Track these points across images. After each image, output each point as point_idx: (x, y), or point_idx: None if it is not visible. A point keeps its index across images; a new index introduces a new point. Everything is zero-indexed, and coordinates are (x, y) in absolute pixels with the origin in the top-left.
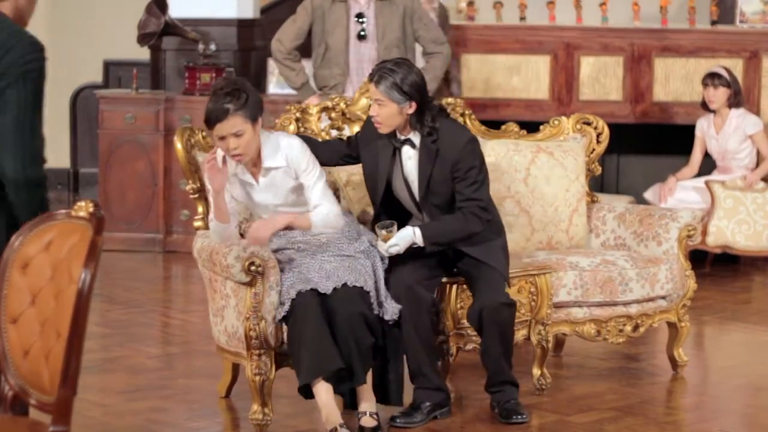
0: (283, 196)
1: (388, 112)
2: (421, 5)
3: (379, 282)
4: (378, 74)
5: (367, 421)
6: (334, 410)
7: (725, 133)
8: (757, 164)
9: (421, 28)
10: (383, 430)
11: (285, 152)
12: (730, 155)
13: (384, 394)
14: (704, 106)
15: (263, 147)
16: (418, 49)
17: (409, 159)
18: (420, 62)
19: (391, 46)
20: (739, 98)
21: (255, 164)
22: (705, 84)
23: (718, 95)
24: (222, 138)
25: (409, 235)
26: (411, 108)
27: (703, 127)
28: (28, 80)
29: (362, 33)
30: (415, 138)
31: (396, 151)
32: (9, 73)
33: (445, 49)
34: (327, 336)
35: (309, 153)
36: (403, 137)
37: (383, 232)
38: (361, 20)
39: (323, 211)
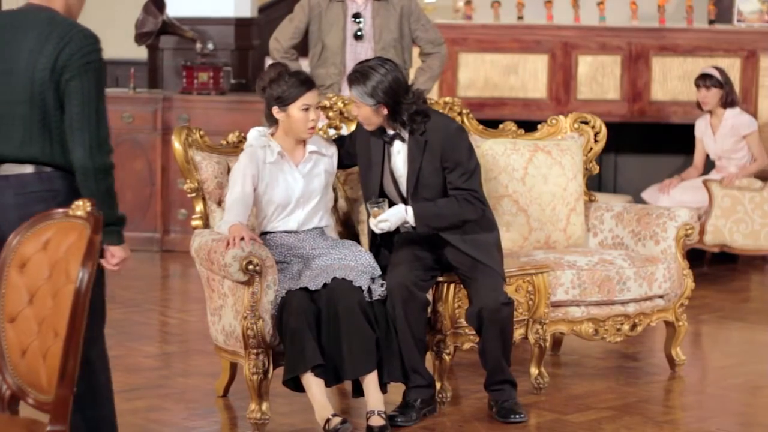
0: (322, 186)
1: (364, 113)
2: (418, 6)
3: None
4: (352, 77)
5: (376, 420)
6: (324, 403)
7: (721, 134)
8: None
9: (419, 29)
10: (391, 429)
11: (328, 146)
12: (727, 155)
13: (381, 374)
14: (700, 107)
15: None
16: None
17: (399, 153)
18: (416, 62)
19: (388, 47)
20: (732, 98)
21: (298, 151)
22: (697, 85)
23: (710, 96)
24: (306, 109)
25: (400, 212)
26: (384, 109)
27: (701, 127)
28: (90, 71)
29: (359, 33)
30: (404, 132)
31: (386, 146)
32: (70, 66)
33: (443, 49)
34: (307, 333)
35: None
36: (392, 132)
37: (374, 208)
38: (357, 20)
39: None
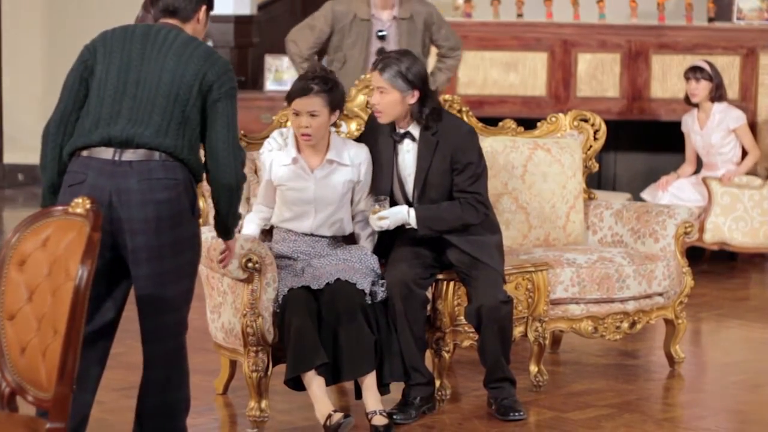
0: (338, 195)
1: (390, 100)
2: (440, 15)
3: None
4: (382, 62)
5: (379, 420)
6: (325, 401)
7: (708, 128)
8: (742, 159)
9: (441, 38)
10: (394, 428)
11: (353, 155)
12: (714, 150)
13: (383, 374)
14: (687, 101)
15: (333, 142)
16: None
17: (408, 152)
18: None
19: None
20: (721, 92)
21: (317, 155)
22: (687, 77)
23: (700, 88)
24: (297, 114)
25: (401, 213)
26: (413, 97)
27: (688, 123)
28: (231, 96)
29: (383, 51)
30: (415, 130)
31: (395, 146)
32: (215, 88)
33: (461, 52)
34: (312, 331)
35: (371, 167)
36: (402, 130)
37: (375, 205)
38: (381, 34)
39: (370, 229)
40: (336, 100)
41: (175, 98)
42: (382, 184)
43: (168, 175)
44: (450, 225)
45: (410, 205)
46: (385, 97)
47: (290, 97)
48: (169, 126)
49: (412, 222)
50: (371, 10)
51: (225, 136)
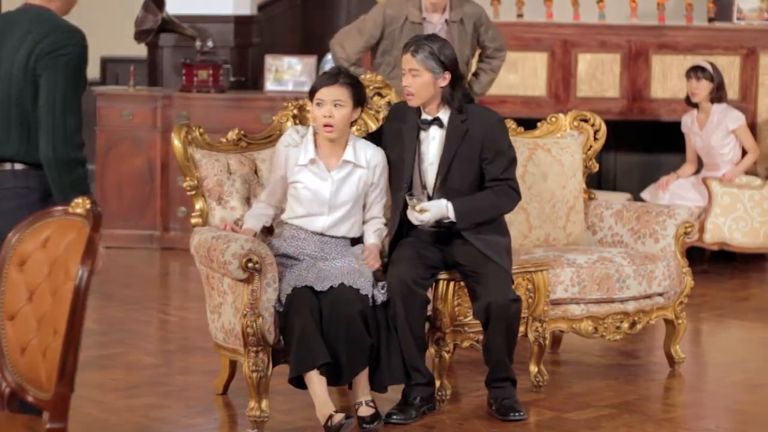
0: (353, 196)
1: (422, 81)
2: (488, 18)
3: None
4: (415, 45)
5: (365, 410)
6: (326, 400)
7: (708, 130)
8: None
9: (488, 39)
10: (382, 417)
11: (370, 157)
12: (715, 151)
13: (383, 377)
14: (687, 101)
15: (351, 142)
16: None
17: (433, 140)
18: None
19: (462, 64)
20: (721, 93)
21: (335, 155)
22: (688, 76)
23: (701, 88)
24: (320, 104)
25: (441, 206)
26: (444, 80)
27: (687, 123)
28: (59, 65)
29: None
30: (444, 115)
31: (419, 133)
32: (42, 60)
33: (506, 53)
34: (315, 331)
35: (387, 171)
36: (430, 117)
37: (413, 200)
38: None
39: (379, 225)
40: (359, 96)
41: (8, 100)
42: (404, 174)
43: (18, 183)
44: (488, 215)
45: (428, 197)
46: (417, 79)
47: (315, 88)
48: (10, 133)
49: (452, 216)
50: (422, 13)
51: (44, 106)
